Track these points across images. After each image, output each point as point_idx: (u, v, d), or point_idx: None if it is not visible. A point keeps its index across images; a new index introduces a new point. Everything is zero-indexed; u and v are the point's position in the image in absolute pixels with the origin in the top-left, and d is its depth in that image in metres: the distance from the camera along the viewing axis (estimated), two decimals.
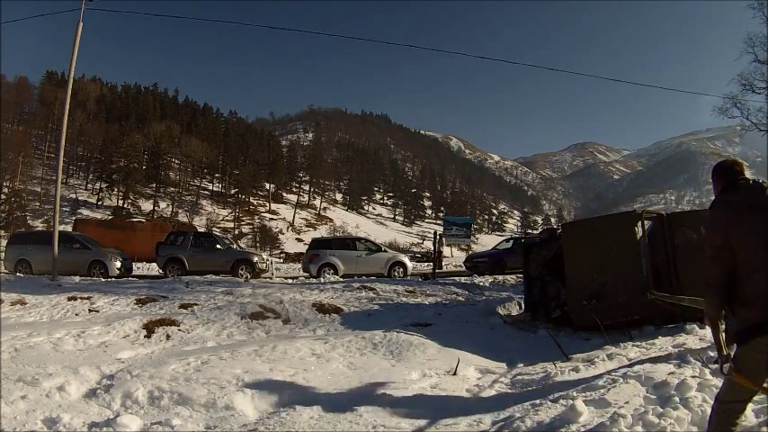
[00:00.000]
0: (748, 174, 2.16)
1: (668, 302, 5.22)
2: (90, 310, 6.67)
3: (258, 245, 61.01)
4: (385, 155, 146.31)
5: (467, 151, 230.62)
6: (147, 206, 66.26)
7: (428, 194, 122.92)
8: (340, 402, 3.80)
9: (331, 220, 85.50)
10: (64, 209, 47.45)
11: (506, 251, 15.74)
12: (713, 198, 2.20)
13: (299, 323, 6.48)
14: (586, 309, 5.60)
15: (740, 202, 2.01)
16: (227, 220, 72.00)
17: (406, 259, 14.88)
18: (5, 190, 48.17)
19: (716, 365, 3.69)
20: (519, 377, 4.49)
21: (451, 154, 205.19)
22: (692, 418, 2.77)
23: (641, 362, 4.27)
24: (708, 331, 4.99)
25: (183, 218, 65.58)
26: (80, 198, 63.67)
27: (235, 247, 16.20)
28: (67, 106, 11.13)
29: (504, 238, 23.97)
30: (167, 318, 6.20)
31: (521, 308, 7.82)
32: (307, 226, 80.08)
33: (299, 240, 66.99)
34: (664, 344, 4.86)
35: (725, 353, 2.04)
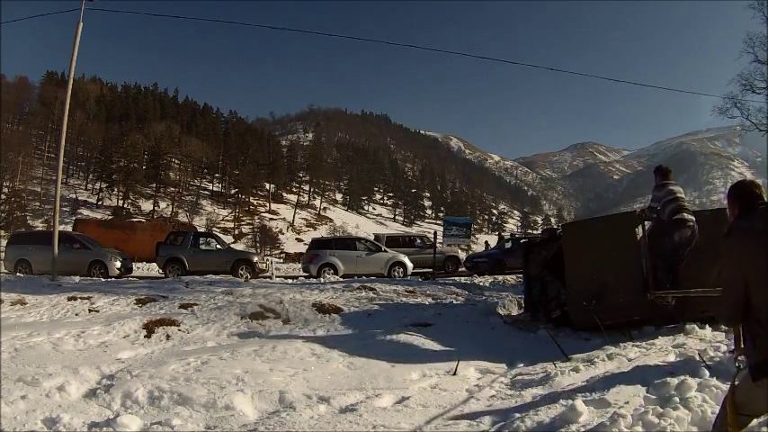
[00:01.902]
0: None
1: (669, 301, 5.23)
2: (90, 310, 6.67)
3: (258, 245, 60.98)
4: (385, 155, 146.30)
5: (467, 151, 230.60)
6: (147, 206, 66.25)
7: (428, 194, 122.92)
8: (340, 402, 3.81)
9: (331, 220, 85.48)
10: (64, 209, 47.43)
11: (506, 251, 15.77)
12: (729, 221, 2.06)
13: (299, 323, 6.48)
14: (586, 309, 5.60)
15: (757, 230, 1.86)
16: (227, 220, 72.00)
17: (406, 259, 14.87)
18: (5, 190, 48.19)
19: (712, 363, 3.71)
20: (519, 377, 4.49)
21: (451, 154, 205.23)
22: (691, 418, 2.77)
23: (641, 361, 4.27)
24: (708, 331, 5.01)
25: (183, 218, 65.56)
26: (80, 198, 63.67)
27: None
28: (67, 106, 11.14)
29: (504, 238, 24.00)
30: (167, 318, 6.20)
31: (521, 308, 7.82)
32: (307, 226, 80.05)
33: (299, 240, 66.96)
34: (664, 344, 4.86)
35: (741, 345, 1.97)
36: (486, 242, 23.82)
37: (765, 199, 1.96)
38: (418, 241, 17.59)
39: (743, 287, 1.83)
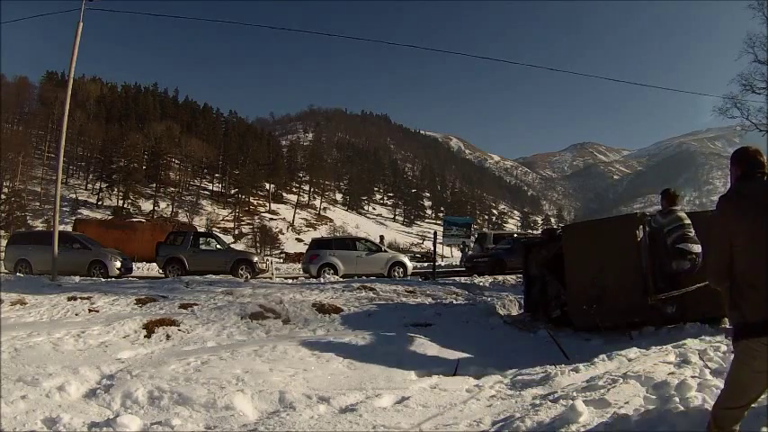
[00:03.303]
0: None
1: (670, 309, 5.21)
2: (90, 310, 6.67)
3: (258, 245, 60.99)
4: (385, 155, 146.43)
5: (467, 151, 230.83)
6: (147, 206, 66.31)
7: (428, 194, 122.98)
8: (340, 402, 3.81)
9: (331, 220, 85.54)
10: (64, 209, 47.45)
11: (506, 251, 15.76)
12: (730, 184, 2.17)
13: (299, 323, 6.48)
14: (587, 313, 5.56)
15: (751, 196, 1.98)
16: (227, 220, 72.07)
17: (406, 259, 14.89)
18: (5, 190, 48.20)
19: (712, 363, 3.72)
20: (519, 377, 4.48)
21: (451, 154, 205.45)
22: (690, 419, 2.76)
23: (641, 362, 4.27)
24: (707, 332, 5.01)
25: (183, 218, 65.61)
26: (80, 198, 63.73)
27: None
28: (67, 106, 11.14)
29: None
30: (167, 318, 6.20)
31: (521, 308, 7.82)
32: (307, 226, 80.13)
33: (299, 240, 67.03)
34: (664, 344, 4.85)
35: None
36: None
37: (765, 169, 2.04)
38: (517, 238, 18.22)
39: (728, 246, 1.94)
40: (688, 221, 5.41)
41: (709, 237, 2.12)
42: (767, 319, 1.81)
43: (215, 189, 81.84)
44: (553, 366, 4.56)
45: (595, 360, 4.55)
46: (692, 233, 5.31)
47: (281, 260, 36.60)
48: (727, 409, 1.98)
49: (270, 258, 26.00)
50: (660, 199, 5.78)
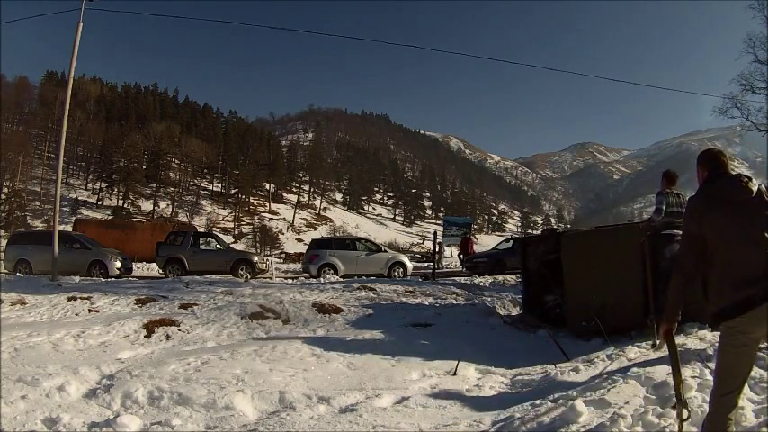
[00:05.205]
0: (743, 171, 2.24)
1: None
2: (90, 310, 6.67)
3: (258, 245, 60.97)
4: (385, 155, 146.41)
5: (467, 151, 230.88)
6: (147, 206, 66.29)
7: (428, 194, 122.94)
8: (340, 402, 3.81)
9: (331, 220, 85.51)
10: (64, 209, 47.46)
11: (506, 251, 15.76)
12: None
13: (299, 323, 6.48)
14: (586, 329, 5.49)
15: (717, 195, 2.13)
16: (227, 220, 72.02)
17: (406, 259, 14.90)
18: (5, 190, 48.19)
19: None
20: (519, 377, 4.49)
21: (451, 154, 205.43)
22: (691, 418, 2.77)
23: (641, 362, 4.26)
24: (707, 331, 4.99)
25: (183, 218, 65.60)
26: (80, 198, 63.70)
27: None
28: (67, 106, 11.15)
29: (504, 238, 23.97)
30: (167, 318, 6.20)
31: (521, 308, 7.82)
32: (307, 226, 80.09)
33: (299, 240, 67.02)
34: (664, 344, 4.84)
35: (682, 395, 2.27)
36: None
37: (728, 169, 2.23)
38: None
39: (701, 243, 2.10)
40: (678, 208, 5.34)
41: (682, 234, 2.27)
42: (735, 301, 1.96)
43: (215, 189, 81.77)
44: (553, 366, 4.57)
45: (595, 360, 4.55)
46: (680, 220, 5.25)
47: (281, 260, 36.58)
48: (722, 396, 2.05)
49: (270, 258, 25.98)
50: (660, 180, 5.63)
